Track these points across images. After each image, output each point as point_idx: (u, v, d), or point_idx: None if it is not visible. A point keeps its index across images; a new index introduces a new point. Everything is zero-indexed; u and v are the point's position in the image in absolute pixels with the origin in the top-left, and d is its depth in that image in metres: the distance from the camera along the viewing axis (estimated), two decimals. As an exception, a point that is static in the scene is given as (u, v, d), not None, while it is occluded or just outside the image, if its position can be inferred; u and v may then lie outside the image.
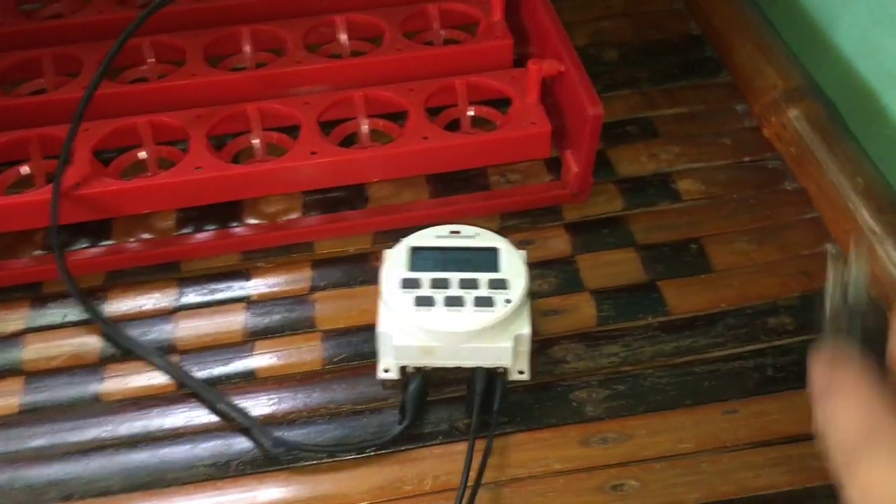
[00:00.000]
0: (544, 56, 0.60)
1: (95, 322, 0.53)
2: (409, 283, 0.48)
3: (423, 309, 0.47)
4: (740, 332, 0.52)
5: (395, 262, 0.49)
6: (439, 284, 0.48)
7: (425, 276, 0.48)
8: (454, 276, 0.48)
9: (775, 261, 0.56)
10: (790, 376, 0.50)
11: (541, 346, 0.52)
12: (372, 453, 0.47)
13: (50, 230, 0.54)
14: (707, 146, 0.63)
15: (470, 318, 0.47)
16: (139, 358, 0.52)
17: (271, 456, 0.47)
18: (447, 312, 0.47)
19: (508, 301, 0.47)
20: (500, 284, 0.48)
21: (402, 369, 0.49)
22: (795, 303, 0.54)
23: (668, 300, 0.54)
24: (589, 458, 0.47)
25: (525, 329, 0.48)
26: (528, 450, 0.47)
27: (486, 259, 0.49)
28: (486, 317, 0.46)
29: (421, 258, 0.49)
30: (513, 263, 0.49)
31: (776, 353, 0.51)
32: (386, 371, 0.49)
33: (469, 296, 0.47)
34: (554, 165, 0.61)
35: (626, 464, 0.47)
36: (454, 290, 0.48)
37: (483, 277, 0.48)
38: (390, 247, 0.51)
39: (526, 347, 0.49)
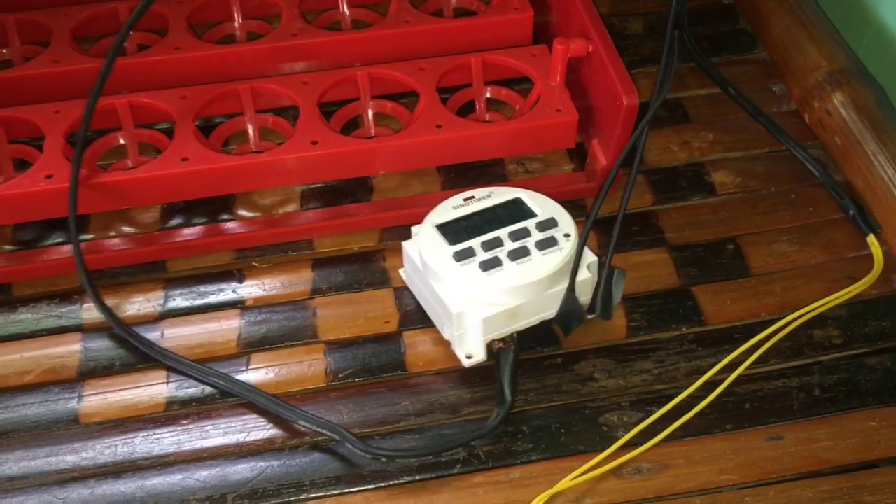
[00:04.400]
0: (567, 29, 0.55)
1: (131, 338, 0.47)
2: (463, 255, 0.45)
3: (494, 271, 0.44)
4: (783, 345, 0.48)
5: (428, 244, 0.45)
6: (493, 245, 0.45)
7: (474, 243, 0.45)
8: (502, 233, 0.46)
9: (819, 264, 0.51)
10: (839, 397, 0.46)
11: (565, 360, 0.47)
12: (383, 485, 0.43)
13: (68, 222, 0.48)
14: (742, 132, 0.57)
15: (544, 262, 0.44)
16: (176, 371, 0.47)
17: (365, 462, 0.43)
18: (518, 266, 0.44)
19: (567, 235, 0.45)
20: (549, 224, 0.46)
21: (489, 347, 0.45)
22: (843, 313, 0.49)
23: (703, 309, 0.49)
24: (623, 492, 0.43)
25: (592, 256, 0.46)
26: (556, 481, 0.43)
27: (515, 210, 0.47)
28: (559, 254, 0.45)
29: (453, 231, 0.46)
30: (544, 204, 0.47)
31: (823, 370, 0.47)
32: (469, 357, 0.45)
33: (529, 243, 0.45)
34: (576, 152, 0.56)
35: (663, 498, 0.43)
36: (511, 244, 0.45)
37: (529, 223, 0.46)
38: (400, 240, 0.48)
39: (596, 274, 0.46)
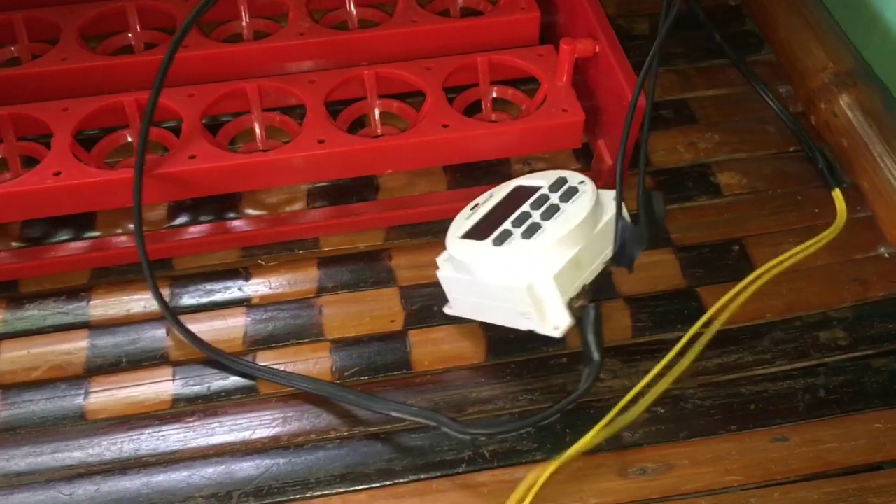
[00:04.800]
0: (574, 30, 0.55)
1: (201, 349, 0.47)
2: (500, 238, 0.44)
3: (537, 234, 0.43)
4: (789, 347, 0.48)
5: (463, 253, 0.45)
6: (523, 218, 0.45)
7: (504, 225, 0.45)
8: (524, 208, 0.45)
9: (825, 266, 0.51)
10: (844, 398, 0.46)
11: (571, 360, 0.47)
12: (388, 483, 0.43)
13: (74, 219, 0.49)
14: (749, 134, 0.57)
15: (577, 206, 0.44)
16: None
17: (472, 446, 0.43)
18: (556, 220, 0.44)
19: (582, 182, 0.45)
20: (560, 183, 0.46)
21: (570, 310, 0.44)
22: (849, 314, 0.49)
23: (708, 310, 0.49)
24: (628, 492, 0.43)
25: (616, 194, 0.45)
26: (561, 481, 0.43)
27: (522, 192, 0.47)
28: (586, 196, 0.45)
29: (478, 232, 0.45)
30: (543, 175, 0.47)
31: (828, 371, 0.47)
32: (557, 328, 0.44)
33: (553, 202, 0.45)
34: (582, 152, 0.56)
35: (668, 498, 0.43)
36: (539, 210, 0.45)
37: (542, 192, 0.46)
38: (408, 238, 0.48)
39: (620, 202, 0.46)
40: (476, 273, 0.44)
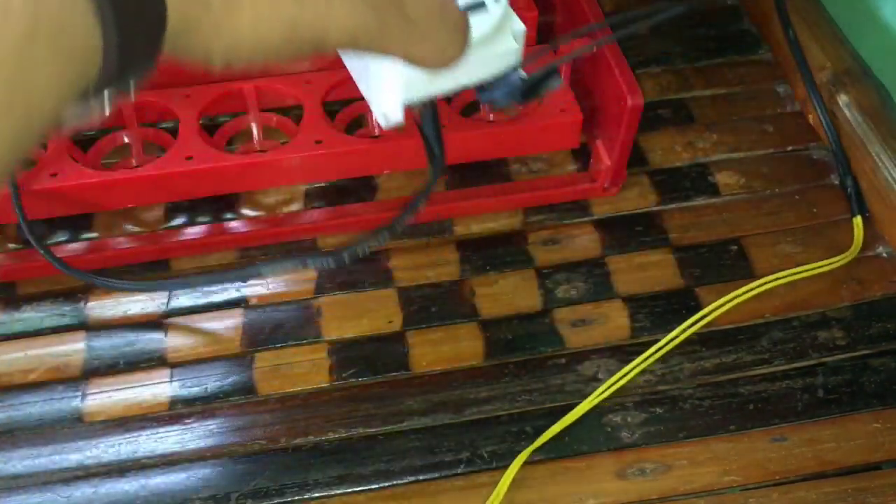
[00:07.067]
0: (572, 29, 0.54)
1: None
2: None
3: None
4: (787, 347, 0.48)
5: None
6: None
7: None
8: None
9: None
10: (843, 398, 0.46)
11: (569, 360, 0.47)
12: (386, 484, 0.43)
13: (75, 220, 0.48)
14: (747, 133, 0.57)
15: (476, 19, 0.37)
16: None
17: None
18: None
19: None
20: None
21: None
22: (847, 314, 0.49)
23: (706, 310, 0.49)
24: (626, 493, 0.43)
25: (519, 24, 0.39)
26: (559, 482, 0.43)
27: None
28: (486, 18, 0.37)
29: None
30: None
31: (827, 371, 0.47)
32: (385, 116, 0.39)
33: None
34: (580, 152, 0.56)
35: (666, 499, 0.43)
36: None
37: None
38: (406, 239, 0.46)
39: (522, 44, 0.40)
40: None
